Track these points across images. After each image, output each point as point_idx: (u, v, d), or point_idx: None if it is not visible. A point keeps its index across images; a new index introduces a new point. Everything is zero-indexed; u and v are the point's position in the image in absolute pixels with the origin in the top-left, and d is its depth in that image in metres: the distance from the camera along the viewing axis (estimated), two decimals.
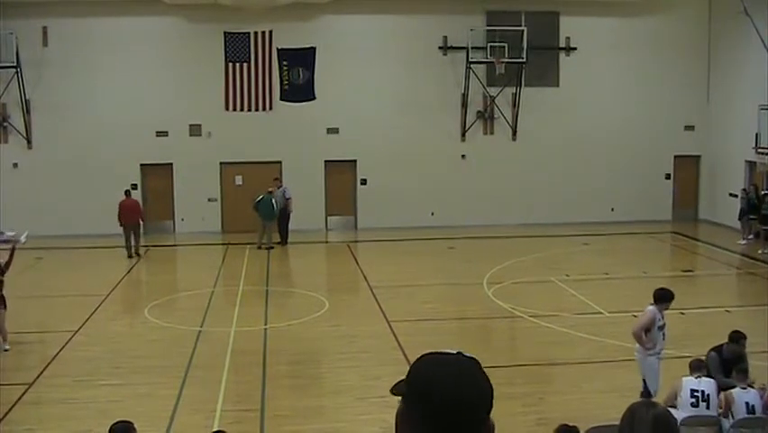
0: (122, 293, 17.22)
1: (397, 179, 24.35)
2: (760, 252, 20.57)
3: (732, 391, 8.45)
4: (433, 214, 24.53)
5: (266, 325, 14.34)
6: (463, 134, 24.83)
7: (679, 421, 7.79)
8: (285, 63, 23.57)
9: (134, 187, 22.84)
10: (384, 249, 21.95)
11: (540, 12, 24.55)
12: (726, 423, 8.31)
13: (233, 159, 23.94)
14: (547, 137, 24.76)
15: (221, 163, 24.08)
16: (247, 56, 23.45)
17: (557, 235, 22.87)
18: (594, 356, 12.33)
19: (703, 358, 9.33)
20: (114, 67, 23.15)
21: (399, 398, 1.92)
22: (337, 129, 24.17)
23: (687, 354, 10.27)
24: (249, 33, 23.35)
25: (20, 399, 10.68)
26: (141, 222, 21.22)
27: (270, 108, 23.79)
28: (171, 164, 23.89)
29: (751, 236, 21.81)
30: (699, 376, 8.61)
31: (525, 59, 23.94)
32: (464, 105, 24.62)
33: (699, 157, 25.78)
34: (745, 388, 8.44)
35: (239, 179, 24.06)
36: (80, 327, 14.06)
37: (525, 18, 24.35)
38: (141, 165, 23.69)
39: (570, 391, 11.04)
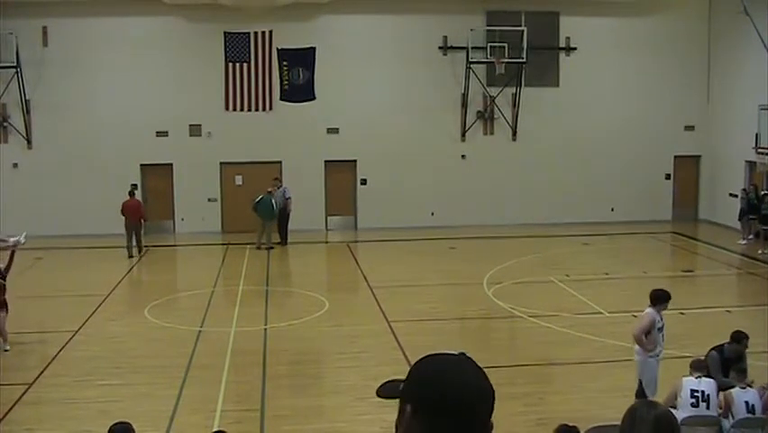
0: (122, 293, 17.22)
1: (397, 180, 24.35)
2: (760, 252, 20.57)
3: (731, 390, 8.45)
4: (433, 214, 24.53)
5: (266, 325, 14.34)
6: (463, 134, 24.83)
7: (679, 421, 7.79)
8: (285, 63, 23.57)
9: (135, 187, 22.80)
10: (384, 249, 21.95)
11: (540, 12, 24.55)
12: (727, 423, 8.31)
13: (233, 159, 23.94)
14: (547, 137, 24.76)
15: (221, 163, 24.08)
16: (247, 56, 23.45)
17: (557, 235, 22.87)
18: (594, 356, 12.33)
19: (703, 358, 9.33)
20: (114, 67, 23.15)
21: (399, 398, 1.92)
22: (337, 129, 24.16)
23: (687, 354, 10.28)
24: (249, 33, 23.35)
25: (20, 399, 10.67)
26: (143, 222, 21.26)
27: (270, 108, 23.79)
28: (171, 164, 23.89)
29: (751, 236, 21.81)
30: (700, 376, 8.60)
31: (525, 59, 23.94)
32: (464, 105, 24.62)
33: (699, 157, 25.78)
34: (744, 388, 8.43)
35: (239, 179, 24.05)
36: (80, 327, 14.07)
37: (525, 18, 24.35)
38: (141, 165, 23.68)
39: (570, 391, 11.04)
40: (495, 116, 24.88)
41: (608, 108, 25.01)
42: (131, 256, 20.63)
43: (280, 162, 24.04)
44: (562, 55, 25.05)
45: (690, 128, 25.52)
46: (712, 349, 9.68)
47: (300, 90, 23.67)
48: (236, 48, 23.35)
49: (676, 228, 24.43)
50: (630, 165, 25.12)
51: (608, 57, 24.93)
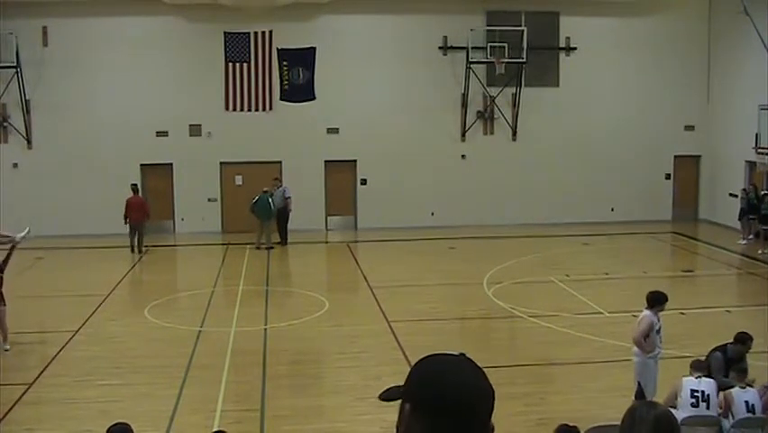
0: (122, 293, 17.21)
1: (397, 180, 24.35)
2: (760, 252, 20.57)
3: (731, 390, 8.45)
4: (433, 214, 24.53)
5: (266, 325, 14.34)
6: (463, 134, 24.83)
7: (679, 421, 7.79)
8: (285, 63, 23.56)
9: (135, 186, 22.81)
10: (384, 249, 21.95)
11: (540, 12, 24.55)
12: (727, 423, 8.31)
13: (233, 159, 23.94)
14: (547, 137, 24.76)
15: (221, 163, 24.08)
16: (247, 56, 23.45)
17: (557, 235, 22.87)
18: (594, 356, 12.33)
19: (703, 358, 9.32)
20: (114, 67, 23.15)
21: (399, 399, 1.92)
22: (337, 129, 24.17)
23: (687, 354, 10.28)
24: (249, 33, 23.35)
25: (20, 399, 10.67)
26: (147, 217, 21.48)
27: (270, 108, 23.79)
28: (171, 164, 23.90)
29: (751, 236, 21.81)
30: (700, 376, 8.60)
31: (525, 59, 23.94)
32: (464, 105, 24.62)
33: (699, 157, 25.78)
34: (744, 388, 8.43)
35: (239, 179, 24.05)
36: (80, 327, 14.06)
37: (525, 18, 24.35)
38: (141, 165, 23.68)
39: (570, 391, 11.04)
40: (495, 116, 24.88)
41: (608, 108, 25.02)
42: (133, 251, 20.89)
43: (280, 162, 24.04)
44: (562, 55, 25.05)
45: (690, 128, 25.52)
46: (715, 350, 9.62)
47: (300, 90, 23.66)
48: (236, 48, 23.35)
49: (676, 228, 24.43)
50: (630, 165, 25.12)
51: (608, 57, 24.93)
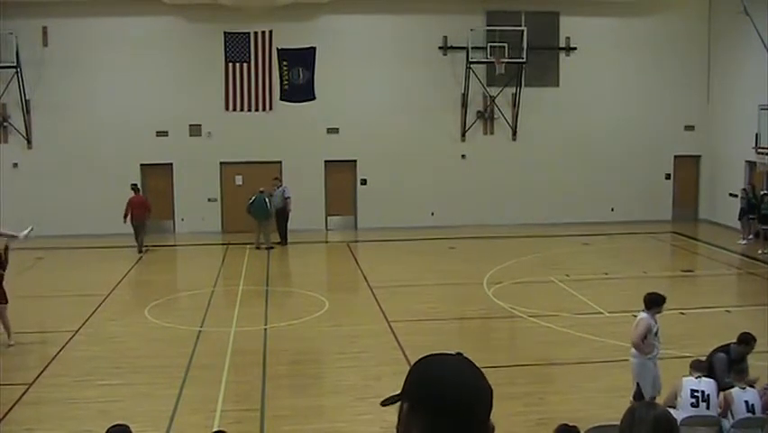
0: (122, 293, 17.20)
1: (397, 180, 24.36)
2: (760, 252, 20.57)
3: (731, 390, 8.45)
4: (433, 214, 24.54)
5: (266, 325, 14.34)
6: (463, 134, 24.83)
7: (679, 421, 7.79)
8: (285, 63, 23.57)
9: (134, 186, 22.83)
10: (384, 249, 21.95)
11: (540, 12, 24.55)
12: (727, 423, 8.31)
13: (233, 159, 23.94)
14: (547, 137, 24.76)
15: (221, 163, 24.08)
16: (247, 56, 23.45)
17: (557, 235, 22.88)
18: (594, 356, 12.33)
19: (702, 359, 9.31)
20: (114, 67, 23.16)
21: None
22: (337, 129, 24.17)
23: (687, 354, 10.27)
24: (249, 33, 23.35)
25: (20, 399, 10.67)
26: (149, 214, 21.63)
27: (270, 108, 23.79)
28: (171, 164, 23.90)
29: (751, 236, 21.81)
30: (699, 376, 8.60)
31: (525, 59, 23.95)
32: (464, 105, 24.62)
33: (699, 157, 25.78)
34: (744, 388, 8.43)
35: (239, 179, 24.05)
36: (80, 327, 14.06)
37: (525, 18, 24.36)
38: (141, 165, 23.68)
39: (570, 390, 11.04)
40: (495, 116, 24.88)
41: (608, 108, 25.02)
42: (140, 251, 21.05)
43: (280, 162, 24.04)
44: (562, 55, 25.05)
45: (690, 128, 25.52)
46: (719, 351, 9.54)
47: (300, 90, 23.67)
48: (236, 48, 23.35)
49: (676, 228, 24.43)
50: (630, 165, 25.13)
51: (608, 57, 24.93)
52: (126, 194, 21.38)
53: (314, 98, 23.71)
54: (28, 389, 11.05)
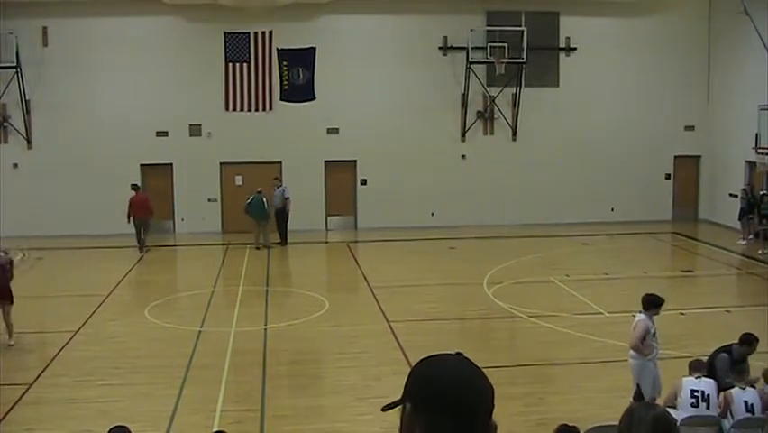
0: (122, 293, 17.20)
1: (397, 179, 24.35)
2: (760, 252, 20.57)
3: (731, 390, 8.45)
4: (433, 214, 24.54)
5: (266, 325, 14.34)
6: (463, 134, 24.83)
7: (679, 421, 7.79)
8: (285, 63, 23.56)
9: (134, 186, 22.83)
10: (384, 249, 21.95)
11: (540, 12, 24.55)
12: (727, 423, 8.31)
13: (233, 159, 23.94)
14: (547, 137, 24.76)
15: (221, 163, 24.08)
16: (247, 56, 23.45)
17: (557, 235, 22.88)
18: (594, 356, 12.33)
19: (702, 359, 9.31)
20: (114, 67, 23.16)
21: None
22: (337, 129, 24.17)
23: (687, 354, 10.27)
24: (249, 33, 23.35)
25: (20, 399, 10.67)
26: (151, 215, 21.73)
27: (270, 108, 23.79)
28: (171, 164, 23.90)
29: (751, 236, 21.81)
30: (699, 376, 8.60)
31: (525, 59, 23.94)
32: (464, 105, 24.62)
33: (699, 157, 25.78)
34: (743, 388, 8.43)
35: (239, 180, 24.05)
36: (80, 327, 14.07)
37: (525, 18, 24.36)
38: (141, 165, 23.68)
39: (570, 391, 11.04)
40: (495, 116, 24.88)
41: (608, 108, 25.02)
42: (141, 250, 21.05)
43: (280, 162, 24.04)
44: (562, 55, 25.05)
45: (690, 128, 25.52)
46: (721, 351, 9.51)
47: (300, 90, 23.67)
48: (236, 48, 23.35)
49: (676, 228, 24.43)
50: (630, 165, 25.12)
51: (608, 57, 24.93)
52: (126, 194, 21.37)
53: (314, 98, 23.71)
54: (28, 389, 11.05)
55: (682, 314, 14.26)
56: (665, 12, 25.17)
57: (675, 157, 25.60)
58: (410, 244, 22.11)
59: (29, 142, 23.39)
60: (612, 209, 25.12)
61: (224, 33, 23.21)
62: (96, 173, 23.27)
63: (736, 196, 22.85)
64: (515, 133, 24.95)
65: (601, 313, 14.76)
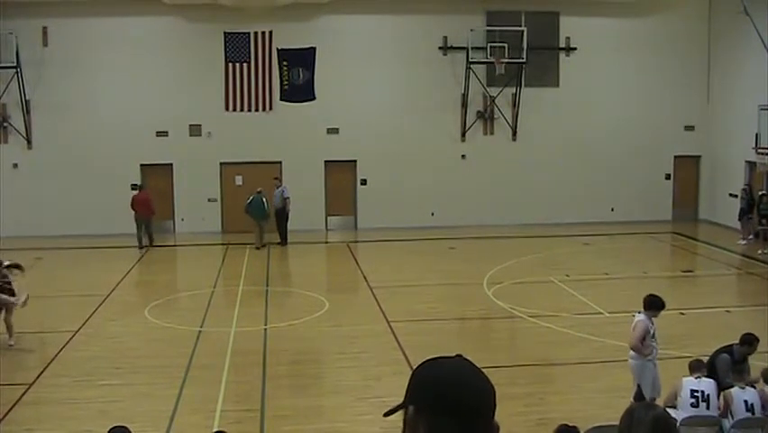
0: (122, 293, 17.19)
1: (397, 180, 24.35)
2: (760, 252, 20.57)
3: (731, 390, 8.46)
4: (433, 214, 24.53)
5: (266, 325, 14.35)
6: (463, 135, 24.83)
7: (679, 421, 7.80)
8: (285, 63, 23.57)
9: (134, 186, 22.85)
10: (384, 249, 21.96)
11: (540, 12, 24.55)
12: (727, 423, 8.31)
13: (233, 159, 23.94)
14: (547, 137, 24.76)
15: (221, 163, 24.08)
16: (247, 56, 23.45)
17: (557, 235, 22.88)
18: (594, 356, 12.33)
19: (702, 358, 9.31)
20: (114, 67, 23.16)
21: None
22: (337, 129, 24.17)
23: (687, 355, 10.27)
24: (249, 33, 23.36)
25: (20, 399, 10.67)
26: (153, 214, 21.95)
27: (270, 108, 23.79)
28: (171, 164, 23.90)
29: (751, 236, 21.82)
30: (699, 376, 8.60)
31: (525, 60, 23.94)
32: (464, 105, 24.62)
33: (699, 157, 25.78)
34: (743, 387, 8.44)
35: (239, 180, 24.05)
36: (80, 327, 14.07)
37: (525, 18, 24.36)
38: (141, 165, 23.68)
39: (570, 391, 11.04)
40: (495, 116, 24.88)
41: (608, 108, 25.02)
42: (141, 247, 21.27)
43: (280, 162, 24.04)
44: (562, 55, 25.04)
45: (690, 128, 25.52)
46: (722, 351, 9.51)
47: (300, 90, 23.67)
48: (236, 48, 23.35)
49: (676, 228, 24.43)
50: (630, 165, 25.12)
51: (608, 57, 24.93)
52: (126, 194, 21.42)
53: (314, 98, 23.71)
54: (28, 389, 11.05)
55: (682, 314, 14.26)
56: (665, 12, 25.17)
57: (675, 157, 25.60)
58: (410, 244, 22.11)
59: (29, 142, 23.38)
60: (612, 209, 25.12)
61: (224, 33, 23.22)
62: (96, 173, 23.27)
63: (736, 196, 22.86)
64: (515, 133, 24.95)
65: (601, 313, 14.76)
